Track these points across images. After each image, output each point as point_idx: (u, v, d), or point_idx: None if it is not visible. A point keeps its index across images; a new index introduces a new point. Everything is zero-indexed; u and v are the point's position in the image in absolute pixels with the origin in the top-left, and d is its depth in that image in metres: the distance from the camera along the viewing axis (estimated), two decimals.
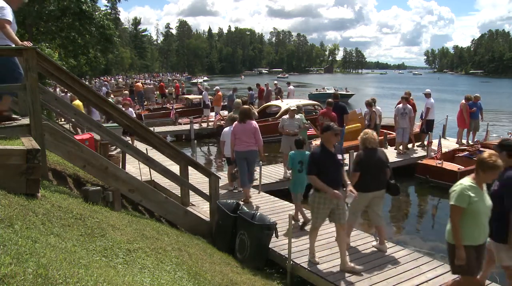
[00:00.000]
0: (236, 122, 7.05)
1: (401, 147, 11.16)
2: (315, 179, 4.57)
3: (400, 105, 10.91)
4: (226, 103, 19.29)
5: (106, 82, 28.51)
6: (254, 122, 6.94)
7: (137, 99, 24.60)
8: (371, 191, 5.08)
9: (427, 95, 11.88)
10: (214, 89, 19.73)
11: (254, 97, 19.51)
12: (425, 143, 11.61)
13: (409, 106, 10.77)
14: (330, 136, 4.67)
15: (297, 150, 6.24)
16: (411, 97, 11.27)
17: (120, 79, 42.13)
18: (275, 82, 21.58)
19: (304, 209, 6.23)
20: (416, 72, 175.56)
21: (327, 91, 31.41)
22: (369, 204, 5.20)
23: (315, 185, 4.63)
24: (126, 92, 16.54)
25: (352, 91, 36.57)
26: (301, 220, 6.12)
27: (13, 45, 4.00)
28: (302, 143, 6.32)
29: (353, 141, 10.88)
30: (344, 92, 32.33)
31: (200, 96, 23.10)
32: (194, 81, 62.07)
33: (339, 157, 4.82)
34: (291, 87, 21.25)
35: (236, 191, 7.74)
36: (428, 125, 11.67)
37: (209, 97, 18.01)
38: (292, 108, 9.09)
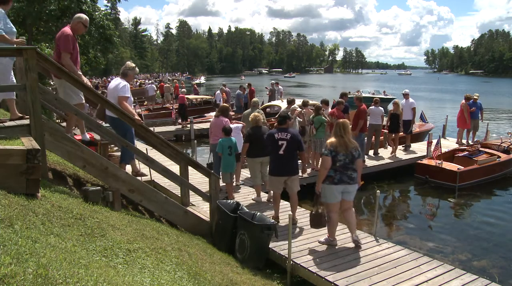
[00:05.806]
0: (214, 117, 7.80)
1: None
2: None
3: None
4: (233, 102, 19.31)
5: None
6: (225, 119, 7.59)
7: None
8: (259, 157, 6.90)
9: (406, 96, 11.80)
10: (220, 89, 19.88)
11: (243, 96, 19.40)
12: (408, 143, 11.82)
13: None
14: None
15: (225, 136, 7.05)
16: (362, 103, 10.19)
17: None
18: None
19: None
20: (403, 72, 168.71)
21: (363, 95, 25.88)
22: (260, 167, 6.99)
23: None
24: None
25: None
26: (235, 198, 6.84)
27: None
28: (230, 130, 7.17)
29: None
30: (383, 96, 27.85)
31: (200, 97, 23.24)
32: (196, 81, 62.04)
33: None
34: (280, 87, 20.92)
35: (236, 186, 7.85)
36: (406, 126, 11.46)
37: (210, 97, 18.02)
38: (298, 109, 9.20)
